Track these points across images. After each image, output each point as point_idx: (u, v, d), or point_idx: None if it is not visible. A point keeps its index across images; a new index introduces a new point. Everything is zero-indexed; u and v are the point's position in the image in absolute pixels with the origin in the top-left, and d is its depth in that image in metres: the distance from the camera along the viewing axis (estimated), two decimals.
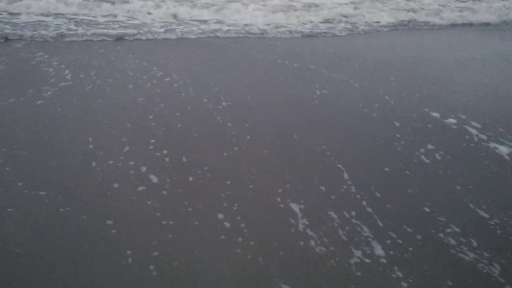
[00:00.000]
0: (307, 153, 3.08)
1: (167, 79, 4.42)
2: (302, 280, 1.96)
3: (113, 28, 6.32)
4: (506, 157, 3.14)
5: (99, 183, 2.60)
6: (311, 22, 7.35)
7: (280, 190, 2.61)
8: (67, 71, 4.47)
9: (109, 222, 2.26)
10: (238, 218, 2.35)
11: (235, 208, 2.43)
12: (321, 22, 7.38)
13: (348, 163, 2.95)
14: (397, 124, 3.60)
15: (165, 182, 2.64)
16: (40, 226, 2.21)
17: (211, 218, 2.34)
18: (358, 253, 2.13)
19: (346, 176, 2.80)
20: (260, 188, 2.63)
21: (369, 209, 2.47)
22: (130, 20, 6.88)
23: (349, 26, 7.32)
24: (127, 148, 3.01)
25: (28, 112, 3.53)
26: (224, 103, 3.86)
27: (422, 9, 8.35)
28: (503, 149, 3.24)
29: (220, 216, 2.36)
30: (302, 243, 2.19)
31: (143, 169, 2.76)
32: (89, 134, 3.19)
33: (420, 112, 3.86)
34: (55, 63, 4.73)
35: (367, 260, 2.08)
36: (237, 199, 2.51)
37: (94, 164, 2.79)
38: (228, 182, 2.66)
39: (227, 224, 2.30)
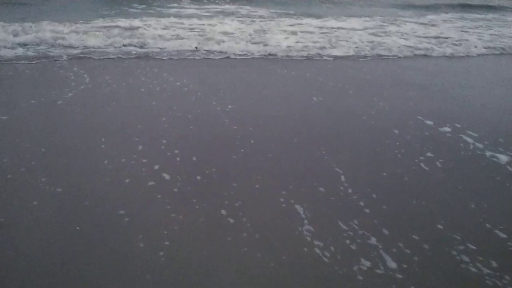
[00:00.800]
0: (307, 157, 3.24)
1: (178, 83, 4.72)
2: (303, 276, 2.10)
3: (140, 47, 6.68)
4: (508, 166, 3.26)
5: (114, 178, 2.78)
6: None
7: (284, 192, 2.76)
8: (85, 75, 4.81)
9: (121, 212, 2.44)
10: (240, 214, 2.49)
11: (238, 205, 2.57)
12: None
13: (345, 166, 3.10)
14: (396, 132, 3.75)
15: (176, 179, 2.81)
16: (59, 218, 2.39)
17: (216, 214, 2.49)
18: (357, 255, 2.24)
19: (343, 178, 2.95)
20: (264, 189, 2.77)
21: (367, 210, 2.60)
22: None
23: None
24: (140, 147, 3.21)
25: (47, 112, 3.79)
26: (230, 106, 4.10)
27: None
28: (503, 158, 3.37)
29: (224, 212, 2.50)
30: (304, 242, 2.30)
31: (156, 167, 2.94)
32: (104, 133, 3.40)
33: (415, 120, 4.03)
34: (75, 68, 5.11)
35: (363, 259, 2.19)
36: (243, 198, 2.65)
37: (107, 161, 2.98)
38: (234, 184, 2.80)
39: (231, 220, 2.44)
